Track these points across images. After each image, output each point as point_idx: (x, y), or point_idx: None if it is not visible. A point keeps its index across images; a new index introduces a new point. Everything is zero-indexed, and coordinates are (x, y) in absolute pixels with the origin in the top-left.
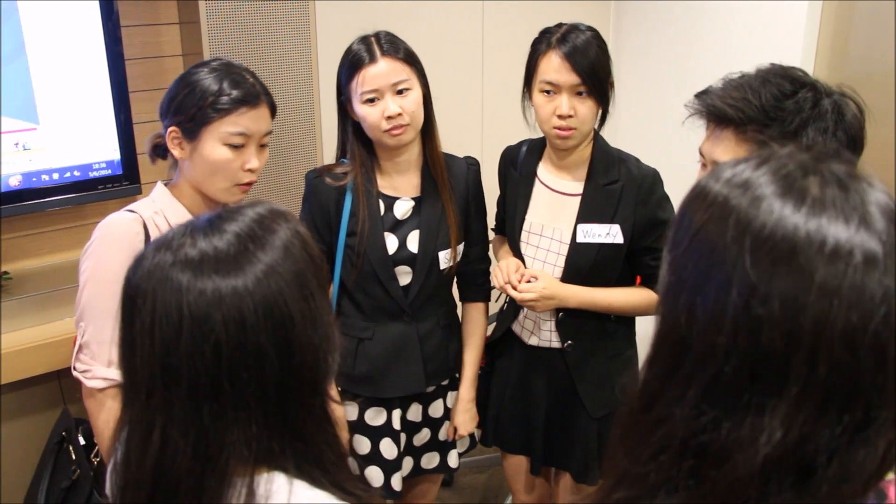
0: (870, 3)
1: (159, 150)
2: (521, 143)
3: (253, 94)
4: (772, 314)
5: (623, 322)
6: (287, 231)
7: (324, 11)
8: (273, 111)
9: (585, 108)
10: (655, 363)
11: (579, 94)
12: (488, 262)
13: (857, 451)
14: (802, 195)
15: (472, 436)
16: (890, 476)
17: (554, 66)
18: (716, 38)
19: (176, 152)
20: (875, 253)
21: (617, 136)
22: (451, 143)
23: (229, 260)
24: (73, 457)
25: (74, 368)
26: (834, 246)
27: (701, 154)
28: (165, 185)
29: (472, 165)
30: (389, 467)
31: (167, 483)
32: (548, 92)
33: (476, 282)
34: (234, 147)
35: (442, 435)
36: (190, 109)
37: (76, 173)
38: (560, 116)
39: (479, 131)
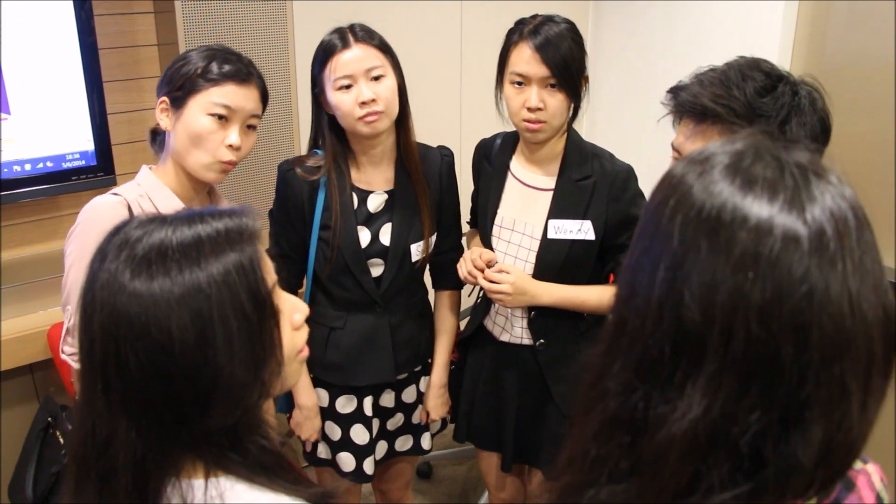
0: (846, 2)
1: (157, 136)
2: (495, 136)
3: (244, 72)
4: (691, 289)
5: (597, 321)
6: (231, 262)
7: (301, 6)
8: (264, 97)
9: (556, 102)
10: (601, 342)
11: (550, 86)
12: (461, 251)
13: (795, 440)
14: (736, 173)
15: (443, 418)
16: (858, 465)
17: (524, 58)
18: (694, 35)
19: (163, 123)
20: (797, 233)
21: (595, 132)
22: (430, 137)
23: (149, 264)
24: (62, 441)
25: (63, 352)
26: (755, 223)
27: (675, 149)
28: (151, 168)
29: (446, 156)
30: (361, 452)
31: (79, 463)
32: (518, 84)
33: (449, 271)
34: (217, 119)
35: (415, 418)
36: (180, 79)
37: (49, 164)
38: (529, 109)
39: (457, 126)
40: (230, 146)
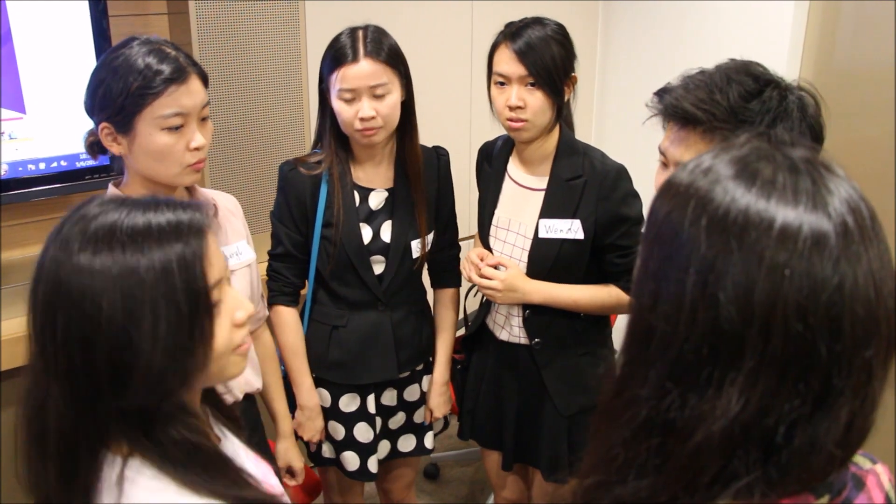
0: (856, 3)
1: (96, 148)
2: (497, 139)
3: (180, 68)
4: (726, 291)
5: (594, 321)
6: (174, 253)
7: (313, 7)
8: (205, 81)
9: (535, 100)
10: (626, 351)
11: (529, 85)
12: (458, 248)
13: (819, 423)
14: (754, 177)
15: (445, 417)
16: (868, 465)
17: (504, 58)
18: (704, 37)
19: (113, 149)
20: (824, 231)
21: (604, 135)
22: (441, 138)
23: (96, 241)
24: None
25: None
26: (782, 226)
27: (661, 153)
28: (117, 186)
29: (443, 156)
30: (365, 451)
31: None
32: (501, 84)
33: (446, 268)
34: (174, 129)
35: (418, 418)
36: (117, 100)
37: (63, 163)
38: (510, 108)
39: (466, 127)
40: (196, 149)
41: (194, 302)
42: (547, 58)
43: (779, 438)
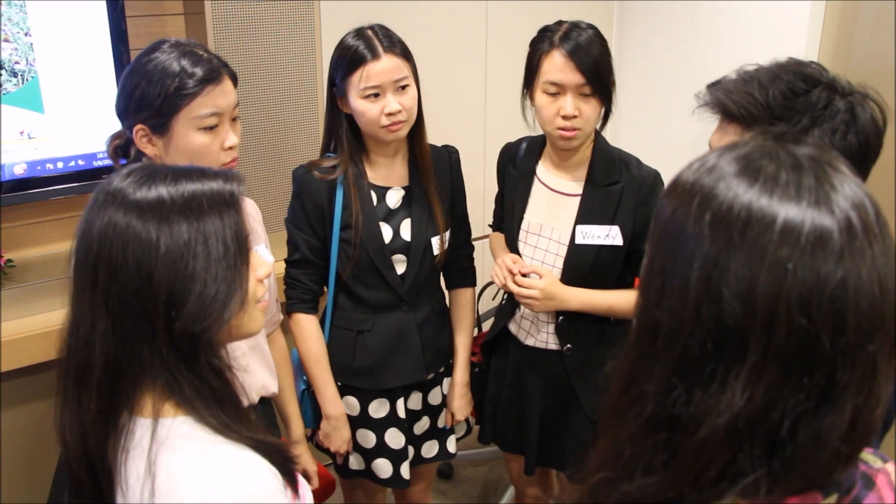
0: (873, 3)
1: (120, 152)
2: (520, 141)
3: (214, 69)
4: (729, 286)
5: (623, 325)
6: (224, 202)
7: (328, 7)
8: (235, 81)
9: (589, 108)
10: (633, 348)
11: (584, 94)
12: (472, 247)
13: (824, 417)
14: (756, 174)
15: (467, 420)
16: (878, 464)
17: (558, 66)
18: (719, 37)
19: (148, 150)
20: (827, 227)
21: (619, 135)
22: (454, 138)
23: (146, 207)
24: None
25: None
26: (784, 222)
27: (710, 146)
28: None
29: (453, 154)
30: (397, 457)
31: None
32: (552, 93)
33: (461, 267)
34: (209, 129)
35: (440, 422)
36: (153, 102)
37: (80, 162)
38: (565, 117)
39: (481, 128)
40: (230, 148)
41: (237, 244)
42: (601, 65)
43: (783, 433)
